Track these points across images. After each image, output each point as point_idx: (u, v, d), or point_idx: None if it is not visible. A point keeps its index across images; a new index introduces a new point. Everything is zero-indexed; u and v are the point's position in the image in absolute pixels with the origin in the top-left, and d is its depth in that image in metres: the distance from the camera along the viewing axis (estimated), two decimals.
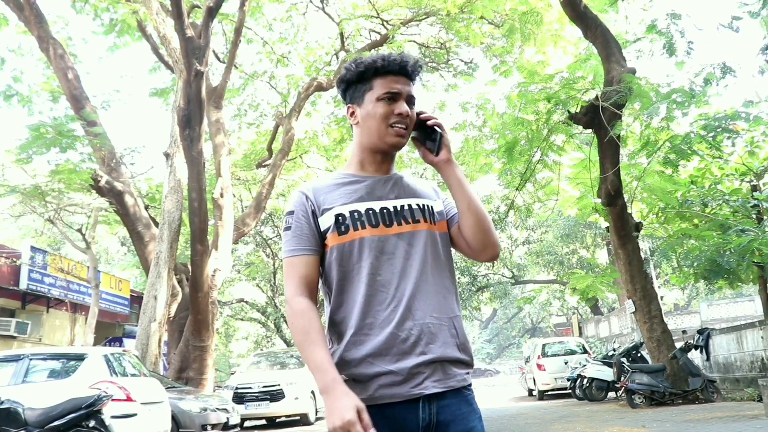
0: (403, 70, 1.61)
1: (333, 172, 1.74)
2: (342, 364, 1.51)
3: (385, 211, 1.58)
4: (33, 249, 17.12)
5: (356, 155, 1.67)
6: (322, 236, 1.58)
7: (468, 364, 1.60)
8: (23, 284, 16.27)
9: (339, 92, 1.70)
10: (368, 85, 1.61)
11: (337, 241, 1.56)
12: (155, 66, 17.10)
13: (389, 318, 1.51)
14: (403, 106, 1.60)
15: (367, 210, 1.57)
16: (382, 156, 1.65)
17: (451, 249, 1.69)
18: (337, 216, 1.56)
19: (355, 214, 1.56)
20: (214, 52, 17.01)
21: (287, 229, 1.59)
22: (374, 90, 1.60)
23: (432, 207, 1.65)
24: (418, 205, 1.62)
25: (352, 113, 1.65)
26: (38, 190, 12.97)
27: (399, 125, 1.60)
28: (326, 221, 1.57)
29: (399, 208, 1.59)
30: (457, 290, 1.67)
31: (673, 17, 10.10)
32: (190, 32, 11.96)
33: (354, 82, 1.63)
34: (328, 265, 1.59)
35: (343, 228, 1.55)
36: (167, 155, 13.32)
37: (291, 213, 1.60)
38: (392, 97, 1.59)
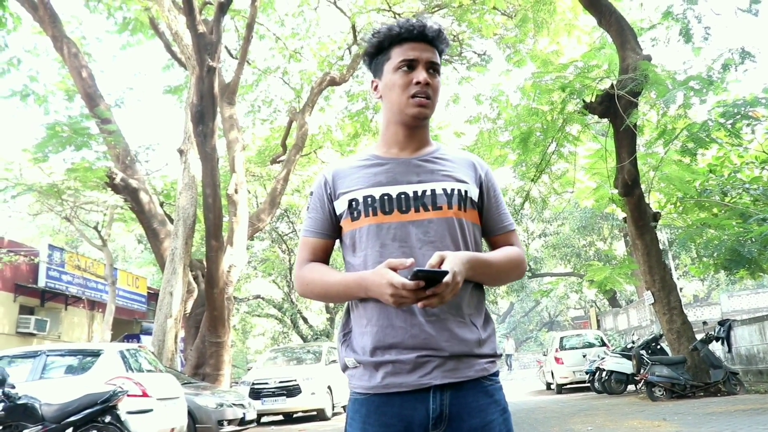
0: (421, 35, 1.51)
1: (360, 152, 1.67)
2: (351, 352, 1.49)
3: (402, 196, 1.48)
4: (51, 247, 17.35)
5: (383, 134, 1.61)
6: (337, 220, 1.55)
7: (490, 356, 1.49)
8: (42, 282, 16.51)
9: (367, 68, 1.64)
10: (387, 56, 1.54)
11: (350, 226, 1.51)
12: (168, 63, 17.23)
13: (398, 310, 1.41)
14: (421, 74, 1.50)
15: (383, 195, 1.49)
16: (408, 131, 1.55)
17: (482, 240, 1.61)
18: (350, 201, 1.51)
19: (369, 199, 1.49)
20: (226, 48, 17.06)
21: (308, 208, 1.62)
22: (392, 59, 1.52)
23: (465, 192, 1.52)
24: (444, 189, 1.50)
25: (376, 87, 1.59)
26: (55, 188, 13.11)
27: (420, 95, 1.50)
28: (341, 206, 1.53)
29: (420, 194, 1.49)
30: (483, 289, 1.54)
31: (689, 2, 9.93)
32: (201, 28, 11.98)
33: (374, 55, 1.57)
34: (343, 250, 1.57)
35: (355, 213, 1.50)
36: (181, 152, 13.38)
37: (311, 194, 1.62)
38: (410, 65, 1.50)
